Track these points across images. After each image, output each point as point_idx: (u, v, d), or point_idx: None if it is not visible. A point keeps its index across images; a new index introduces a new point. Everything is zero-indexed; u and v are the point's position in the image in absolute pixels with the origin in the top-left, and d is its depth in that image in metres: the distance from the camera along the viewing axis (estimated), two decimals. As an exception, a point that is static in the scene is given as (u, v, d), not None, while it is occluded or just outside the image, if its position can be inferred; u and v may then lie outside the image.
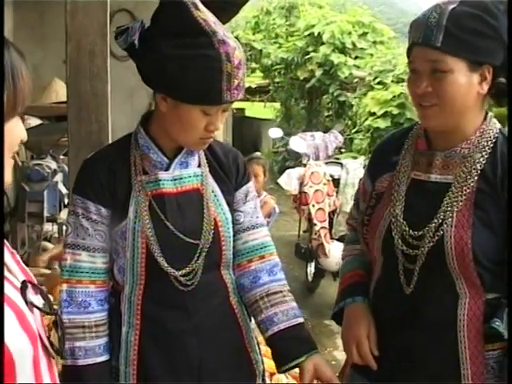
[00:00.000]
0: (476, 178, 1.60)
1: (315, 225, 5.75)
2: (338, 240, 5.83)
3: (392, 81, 10.14)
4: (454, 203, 1.61)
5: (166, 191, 1.72)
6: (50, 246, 4.58)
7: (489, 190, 1.60)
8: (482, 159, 1.61)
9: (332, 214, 5.91)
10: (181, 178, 1.75)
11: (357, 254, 1.92)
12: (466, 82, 1.56)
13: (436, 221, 1.61)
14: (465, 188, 1.60)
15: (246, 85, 1.74)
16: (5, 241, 1.11)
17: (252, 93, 15.75)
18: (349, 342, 1.79)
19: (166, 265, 1.69)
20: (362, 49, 12.09)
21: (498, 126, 1.67)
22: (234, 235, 1.83)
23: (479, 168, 1.61)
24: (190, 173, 1.76)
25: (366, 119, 10.03)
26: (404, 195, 1.70)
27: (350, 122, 11.53)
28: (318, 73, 12.16)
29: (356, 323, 1.79)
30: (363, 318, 1.78)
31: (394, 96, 9.51)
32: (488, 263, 1.57)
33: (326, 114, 13.45)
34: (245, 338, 1.84)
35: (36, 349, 1.08)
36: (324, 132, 7.32)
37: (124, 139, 1.81)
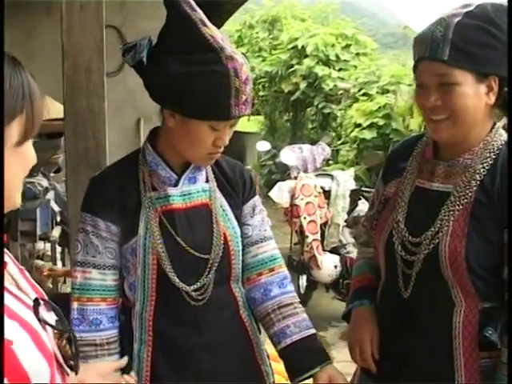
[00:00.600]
0: (475, 188, 1.62)
1: (307, 237, 5.75)
2: (330, 252, 5.84)
3: (377, 92, 10.18)
4: (451, 212, 1.63)
5: (175, 207, 1.73)
6: (42, 264, 4.54)
7: (486, 200, 1.61)
8: (482, 170, 1.63)
9: (323, 225, 5.91)
10: (189, 194, 1.76)
11: (369, 257, 1.97)
12: (474, 94, 1.59)
13: (433, 229, 1.65)
14: (463, 198, 1.63)
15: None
16: (12, 257, 1.10)
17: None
18: (353, 344, 1.86)
19: (177, 280, 1.69)
20: (345, 61, 12.13)
21: (504, 137, 1.68)
22: (243, 249, 1.84)
23: (479, 179, 1.63)
24: (198, 188, 1.77)
25: (352, 131, 10.06)
26: (407, 202, 1.73)
27: (334, 134, 11.57)
28: (303, 85, 12.18)
29: (361, 326, 1.84)
30: (368, 321, 1.84)
31: (380, 107, 9.54)
32: (483, 273, 1.60)
33: (311, 126, 13.48)
34: (255, 351, 1.86)
35: (52, 368, 1.06)
36: (311, 144, 7.34)
37: (131, 156, 1.82)
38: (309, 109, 13.07)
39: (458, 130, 1.63)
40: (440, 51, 1.57)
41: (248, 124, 18.29)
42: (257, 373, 1.86)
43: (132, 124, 5.92)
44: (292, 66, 12.58)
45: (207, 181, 1.80)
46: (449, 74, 1.58)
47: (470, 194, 1.63)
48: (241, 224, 1.84)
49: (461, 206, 1.63)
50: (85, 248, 1.73)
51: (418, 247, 1.67)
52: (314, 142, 7.88)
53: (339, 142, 10.90)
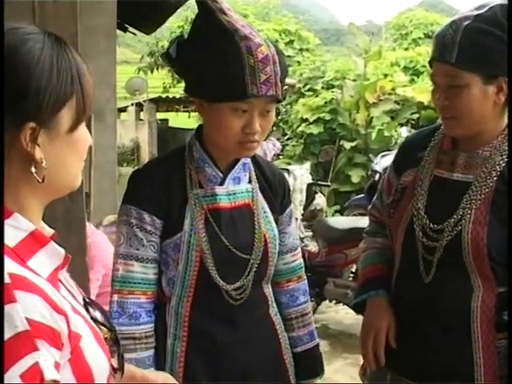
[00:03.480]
0: (495, 178, 1.68)
1: (265, 232, 5.74)
2: (287, 245, 5.85)
3: (322, 87, 10.34)
4: (473, 201, 1.69)
5: (222, 206, 1.72)
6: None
7: (506, 190, 1.67)
8: (501, 162, 1.69)
9: (281, 220, 5.92)
10: (234, 194, 1.75)
11: (378, 247, 1.99)
12: (482, 95, 1.64)
13: (455, 216, 1.69)
14: (484, 187, 1.69)
15: (170, 95, 1.76)
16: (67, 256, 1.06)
17: (177, 103, 15.68)
18: (367, 332, 1.87)
19: (218, 279, 1.68)
20: (289, 56, 12.26)
21: None
22: (277, 255, 1.84)
23: (499, 170, 1.69)
24: (242, 188, 1.76)
25: (299, 126, 10.16)
26: (427, 190, 1.77)
27: (276, 129, 11.63)
28: (247, 81, 12.20)
29: (378, 316, 1.86)
30: (385, 311, 1.86)
31: (326, 102, 9.69)
32: (501, 258, 1.65)
33: (253, 121, 13.52)
34: (283, 350, 1.87)
35: (109, 366, 1.04)
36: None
37: (176, 152, 1.80)
38: (251, 104, 13.09)
39: (466, 127, 1.69)
40: (448, 54, 1.63)
41: (188, 121, 18.20)
42: (284, 372, 1.87)
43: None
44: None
45: (250, 181, 1.79)
46: (457, 75, 1.64)
47: (490, 184, 1.68)
48: (279, 231, 1.84)
49: (482, 195, 1.68)
50: (128, 240, 1.69)
51: (439, 234, 1.71)
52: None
53: (285, 138, 11.00)
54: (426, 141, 1.85)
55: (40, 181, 0.95)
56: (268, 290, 1.85)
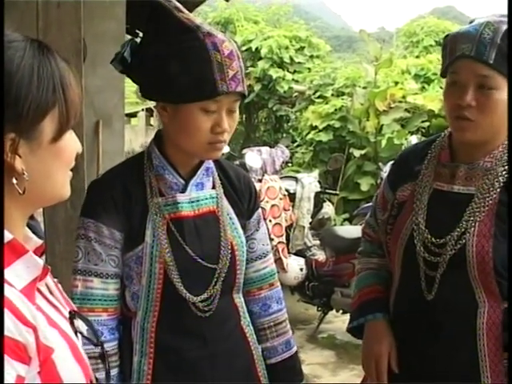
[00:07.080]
0: (498, 190, 1.64)
1: (272, 240, 5.71)
2: (295, 254, 5.83)
3: (332, 94, 10.26)
4: (477, 213, 1.64)
5: (184, 214, 1.66)
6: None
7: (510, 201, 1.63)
8: (504, 172, 1.65)
9: (288, 228, 5.89)
10: (198, 201, 1.69)
11: (373, 267, 1.95)
12: (506, 101, 1.60)
13: (458, 230, 1.65)
14: (487, 199, 1.64)
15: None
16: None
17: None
18: (368, 359, 1.83)
19: (184, 291, 1.62)
20: (299, 63, 12.21)
21: None
22: (247, 263, 1.79)
23: (502, 181, 1.65)
24: (206, 195, 1.71)
25: (308, 133, 10.10)
26: (426, 204, 1.73)
27: (286, 136, 11.59)
28: (257, 88, 12.17)
29: (377, 341, 1.82)
30: (385, 335, 1.82)
31: (336, 109, 9.61)
32: (506, 272, 1.60)
33: (264, 128, 13.50)
34: (256, 362, 1.82)
35: (89, 381, 1.01)
36: (269, 147, 7.32)
37: (135, 159, 1.73)
38: (260, 111, 13.09)
39: (482, 132, 1.65)
40: (486, 53, 1.59)
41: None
42: None
43: (90, 127, 5.75)
44: (246, 68, 12.54)
45: (213, 187, 1.74)
46: (490, 76, 1.60)
47: (494, 196, 1.65)
48: (247, 237, 1.79)
49: (486, 207, 1.64)
50: (86, 255, 1.63)
51: (442, 248, 1.67)
52: (267, 145, 7.85)
53: (295, 145, 10.95)
54: (422, 154, 1.81)
55: (21, 192, 0.92)
56: (239, 300, 1.78)
